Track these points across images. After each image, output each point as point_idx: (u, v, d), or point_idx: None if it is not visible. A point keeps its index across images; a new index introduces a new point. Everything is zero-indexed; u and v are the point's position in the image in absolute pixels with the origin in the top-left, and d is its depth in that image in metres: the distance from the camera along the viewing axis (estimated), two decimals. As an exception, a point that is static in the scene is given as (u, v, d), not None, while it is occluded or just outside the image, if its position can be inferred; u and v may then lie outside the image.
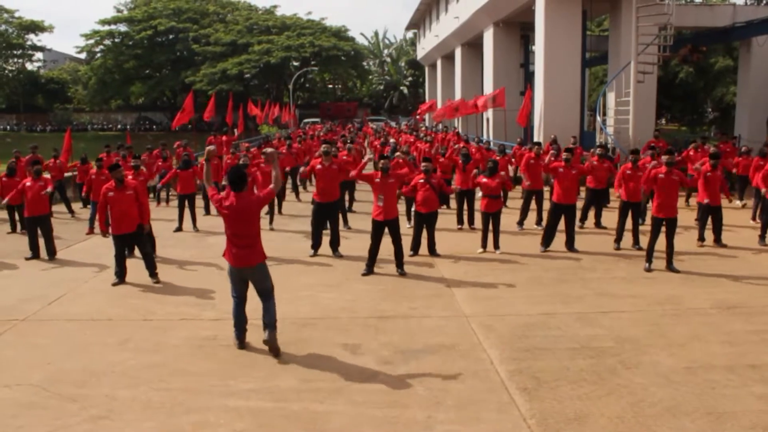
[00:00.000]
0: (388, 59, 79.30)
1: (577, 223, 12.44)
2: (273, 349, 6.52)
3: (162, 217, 14.52)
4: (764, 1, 36.39)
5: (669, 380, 5.86)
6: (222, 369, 6.26)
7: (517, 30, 27.81)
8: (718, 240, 11.31)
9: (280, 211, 14.93)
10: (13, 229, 13.56)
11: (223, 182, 7.52)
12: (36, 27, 63.80)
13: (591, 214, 13.10)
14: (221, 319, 7.60)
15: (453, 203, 14.24)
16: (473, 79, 33.49)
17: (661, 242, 9.68)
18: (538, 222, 12.86)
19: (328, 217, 10.87)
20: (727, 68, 38.29)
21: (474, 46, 33.21)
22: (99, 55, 63.90)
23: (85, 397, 5.67)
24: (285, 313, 7.50)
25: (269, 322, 6.54)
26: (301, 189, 18.52)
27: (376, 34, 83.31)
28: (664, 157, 9.85)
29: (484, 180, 10.87)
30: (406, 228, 12.06)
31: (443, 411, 5.35)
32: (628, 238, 11.19)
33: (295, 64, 63.08)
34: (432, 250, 10.83)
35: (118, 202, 9.34)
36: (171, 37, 62.22)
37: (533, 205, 13.00)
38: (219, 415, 5.33)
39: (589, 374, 6.01)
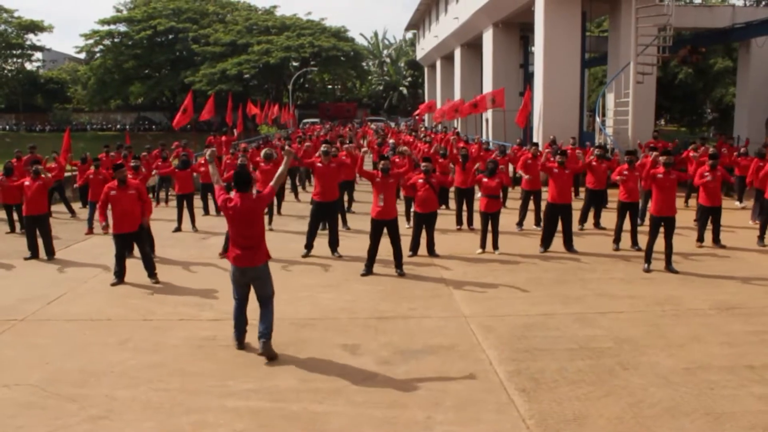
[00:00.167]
0: (388, 60, 79.32)
1: (577, 224, 12.47)
2: (269, 357, 6.48)
3: (161, 217, 14.51)
4: (763, 3, 36.41)
5: (668, 381, 5.86)
6: (221, 369, 6.26)
7: (516, 31, 27.79)
8: (717, 241, 11.32)
9: (279, 212, 14.94)
10: (12, 229, 13.55)
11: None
12: (35, 27, 63.72)
13: (590, 214, 13.10)
14: (220, 319, 7.60)
15: (452, 204, 14.24)
16: (473, 80, 33.47)
17: (660, 243, 9.69)
18: (537, 222, 12.87)
19: (326, 216, 10.90)
20: (726, 69, 38.30)
21: (473, 47, 33.20)
22: (98, 55, 63.85)
23: (85, 397, 5.67)
24: (284, 313, 7.52)
25: (264, 331, 6.48)
26: (300, 189, 18.53)
27: (376, 34, 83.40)
28: (662, 158, 9.86)
29: (485, 180, 10.89)
30: (405, 228, 12.07)
31: (442, 411, 5.36)
32: (627, 239, 11.20)
33: (295, 64, 63.05)
34: (431, 251, 10.83)
35: (120, 201, 9.35)
36: (170, 37, 62.17)
37: (531, 205, 13.02)
38: (218, 416, 5.33)
39: (588, 375, 6.02)
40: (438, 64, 42.62)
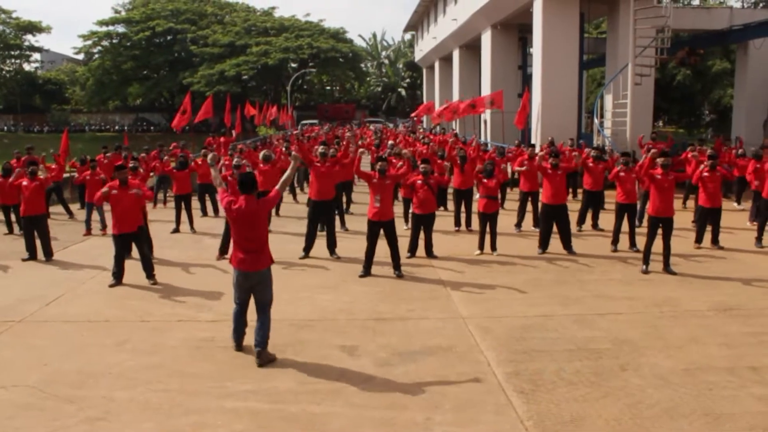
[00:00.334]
0: (386, 61, 79.33)
1: (575, 226, 12.47)
2: (267, 362, 6.43)
3: (159, 218, 14.50)
4: (761, 5, 36.46)
5: (666, 382, 5.87)
6: (219, 370, 6.26)
7: (515, 32, 27.81)
8: (715, 242, 11.34)
9: (277, 213, 14.93)
10: (10, 231, 13.52)
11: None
12: (33, 28, 63.69)
13: (588, 216, 13.10)
14: (218, 320, 7.60)
15: (450, 205, 14.25)
16: (471, 81, 33.48)
17: (658, 244, 9.70)
18: (536, 224, 12.87)
19: (323, 215, 10.97)
20: (724, 71, 38.36)
21: (472, 48, 33.21)
22: (97, 56, 63.81)
23: (83, 398, 5.66)
24: (283, 314, 7.51)
25: (261, 340, 6.43)
26: (298, 191, 18.54)
27: (374, 35, 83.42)
28: (659, 160, 9.87)
29: (483, 180, 10.90)
30: (403, 230, 12.07)
31: (441, 413, 5.36)
32: (625, 240, 11.20)
33: (293, 65, 63.05)
34: (429, 252, 10.84)
35: (120, 201, 9.35)
36: (169, 38, 62.13)
37: (529, 207, 13.04)
38: (217, 417, 5.33)
39: (586, 376, 6.02)
40: (436, 65, 42.66)
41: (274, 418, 5.32)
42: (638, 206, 12.08)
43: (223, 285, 8.80)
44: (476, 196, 11.56)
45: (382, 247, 9.73)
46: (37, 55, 70.15)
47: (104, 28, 62.45)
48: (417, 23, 46.95)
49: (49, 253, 11.04)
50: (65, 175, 16.78)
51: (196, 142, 23.07)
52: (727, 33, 23.65)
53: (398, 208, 13.09)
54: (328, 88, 77.81)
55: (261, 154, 13.98)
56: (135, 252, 9.85)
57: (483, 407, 5.45)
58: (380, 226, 9.66)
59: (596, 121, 20.94)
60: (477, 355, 6.60)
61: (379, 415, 5.35)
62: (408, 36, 68.52)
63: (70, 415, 5.35)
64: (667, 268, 9.70)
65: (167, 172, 14.31)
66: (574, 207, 12.72)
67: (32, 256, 11.02)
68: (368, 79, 77.67)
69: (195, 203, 14.34)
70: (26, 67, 69.82)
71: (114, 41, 62.66)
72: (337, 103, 72.27)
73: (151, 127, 65.34)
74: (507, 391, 5.74)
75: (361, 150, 10.32)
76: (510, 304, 8.31)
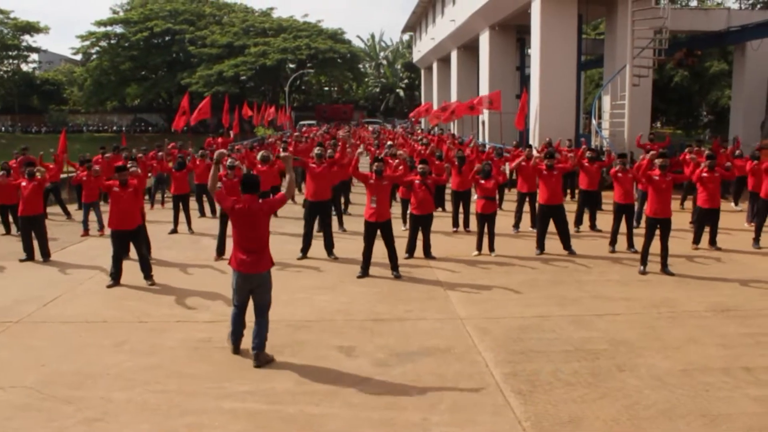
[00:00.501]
0: (384, 62, 79.37)
1: (573, 226, 12.49)
2: (264, 363, 6.42)
3: (157, 219, 14.49)
4: (758, 6, 36.49)
5: (664, 383, 5.88)
6: (217, 371, 6.26)
7: (513, 33, 27.80)
8: (713, 243, 11.35)
9: (275, 214, 14.91)
10: (7, 231, 13.51)
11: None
12: (31, 28, 63.62)
13: (585, 217, 13.12)
14: (216, 321, 7.60)
15: (448, 206, 14.26)
16: (469, 82, 33.48)
17: (656, 245, 9.71)
18: (534, 225, 12.88)
19: (319, 214, 11.00)
20: (722, 72, 38.38)
21: (470, 49, 33.20)
22: (95, 56, 63.80)
23: (80, 399, 5.66)
24: (281, 315, 7.51)
25: (258, 344, 6.40)
26: (296, 192, 18.53)
27: (373, 36, 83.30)
28: (657, 161, 9.88)
29: (481, 182, 10.91)
30: (401, 231, 12.08)
31: (438, 413, 5.36)
32: (622, 241, 11.22)
33: (291, 66, 63.05)
34: (427, 253, 10.84)
35: (120, 199, 9.37)
36: (167, 38, 62.11)
37: (527, 207, 13.05)
38: (214, 418, 5.33)
39: (583, 377, 6.03)
40: (434, 66, 42.67)
41: (272, 418, 5.32)
42: (636, 207, 12.10)
43: (221, 286, 8.80)
44: (474, 197, 11.56)
45: (380, 247, 9.73)
46: (34, 56, 70.20)
47: (102, 29, 62.44)
48: (415, 24, 46.97)
49: (46, 254, 11.04)
50: (63, 175, 16.77)
51: (195, 143, 23.05)
52: (725, 34, 23.70)
53: (396, 209, 13.11)
54: (327, 88, 77.84)
55: (259, 155, 13.98)
56: (133, 252, 9.85)
57: (481, 408, 5.45)
58: (377, 227, 9.66)
59: (594, 121, 20.95)
60: (475, 356, 6.60)
61: (376, 415, 5.35)
62: (406, 37, 68.60)
63: (68, 416, 5.35)
64: (664, 269, 9.72)
65: (166, 170, 14.31)
66: (571, 207, 12.73)
67: (30, 257, 11.01)
68: (366, 79, 77.70)
69: (193, 204, 14.34)
70: (24, 67, 69.83)
71: (112, 42, 62.64)
72: (335, 104, 72.30)
73: (149, 128, 65.33)
74: (505, 391, 5.75)
75: (359, 150, 10.33)
76: (508, 304, 8.32)
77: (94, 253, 11.47)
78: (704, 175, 11.04)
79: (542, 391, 5.74)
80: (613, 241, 11.24)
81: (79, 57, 67.12)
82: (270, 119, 37.63)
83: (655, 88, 24.03)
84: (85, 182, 12.98)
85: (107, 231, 10.74)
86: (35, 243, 11.03)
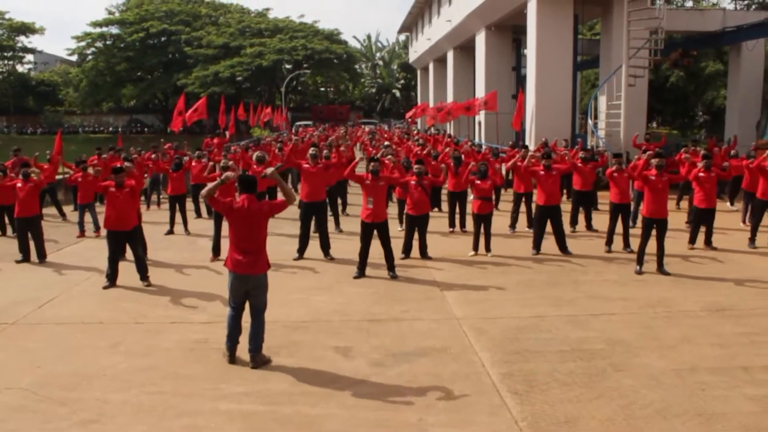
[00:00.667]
0: (381, 62, 79.39)
1: (569, 228, 12.50)
2: (261, 365, 6.41)
3: (153, 220, 14.47)
4: (754, 7, 36.60)
5: (659, 382, 5.89)
6: (214, 372, 6.25)
7: (509, 34, 27.84)
8: (708, 243, 11.37)
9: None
10: (3, 232, 13.48)
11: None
12: (26, 29, 63.48)
13: (581, 217, 13.14)
14: (213, 322, 7.59)
15: (445, 206, 14.27)
16: (465, 83, 33.52)
17: (652, 245, 9.73)
18: (530, 225, 12.89)
19: (314, 215, 11.02)
20: (717, 72, 38.45)
21: (466, 50, 33.24)
22: (90, 57, 63.64)
23: (76, 400, 5.65)
24: (277, 316, 7.50)
25: (255, 347, 6.39)
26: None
27: (369, 37, 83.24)
28: (654, 161, 9.90)
29: (477, 182, 10.91)
30: (397, 231, 12.08)
31: (435, 413, 5.36)
32: (619, 241, 11.23)
33: (288, 66, 63.02)
34: (423, 253, 10.84)
35: (116, 200, 9.35)
36: (163, 39, 62.03)
37: (523, 207, 13.06)
38: (210, 419, 5.32)
39: (580, 377, 6.03)
40: (431, 66, 42.68)
41: (268, 419, 5.32)
42: (632, 207, 12.12)
43: (217, 287, 8.79)
44: (470, 197, 11.57)
45: (377, 248, 9.73)
46: (30, 57, 69.96)
47: (98, 30, 62.31)
48: (411, 24, 46.97)
49: (42, 255, 11.01)
50: (58, 177, 16.72)
51: (191, 144, 23.02)
52: (720, 35, 23.77)
53: (393, 209, 13.10)
54: (323, 89, 77.79)
55: (254, 156, 13.96)
56: (129, 253, 9.83)
57: (477, 408, 5.46)
58: (374, 227, 9.66)
59: (590, 122, 20.98)
60: (471, 356, 6.61)
61: (373, 416, 5.35)
62: (402, 37, 68.65)
63: (64, 418, 5.34)
64: (660, 269, 9.73)
65: (162, 170, 14.28)
66: (566, 207, 12.73)
67: (26, 258, 10.99)
68: (362, 80, 77.70)
69: (189, 204, 14.32)
70: (19, 68, 69.73)
71: (108, 42, 62.51)
72: (331, 105, 72.28)
73: (145, 129, 65.28)
74: (501, 391, 5.75)
75: (359, 157, 10.33)
76: (504, 304, 8.32)
77: (90, 254, 11.44)
78: (701, 174, 11.06)
79: (539, 391, 5.75)
80: (609, 241, 11.26)
81: (74, 58, 66.94)
82: (266, 120, 37.60)
83: (650, 88, 24.07)
84: (80, 183, 12.95)
85: (103, 232, 10.72)
86: (31, 244, 11.01)
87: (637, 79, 18.92)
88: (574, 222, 12.98)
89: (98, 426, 5.23)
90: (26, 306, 8.39)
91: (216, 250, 10.87)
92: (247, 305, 6.52)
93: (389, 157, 11.73)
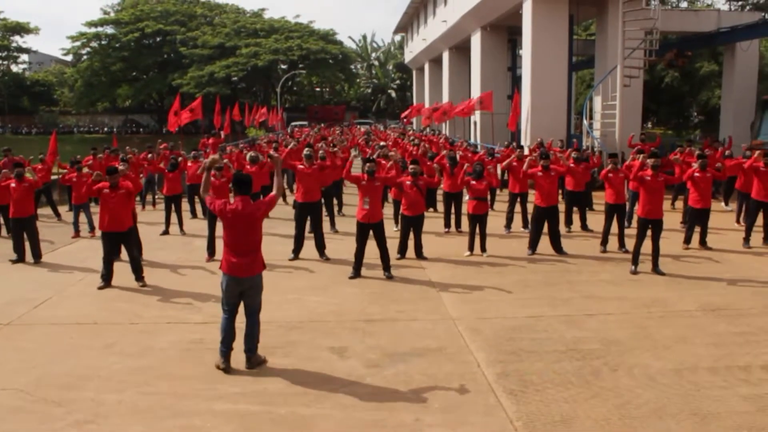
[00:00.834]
0: (376, 62, 79.42)
1: (564, 227, 12.52)
2: (255, 366, 6.38)
3: (148, 220, 14.44)
4: (748, 8, 36.73)
5: (655, 382, 5.90)
6: (209, 372, 6.24)
7: (504, 34, 27.87)
8: (703, 242, 11.40)
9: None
10: (-2, 233, 13.44)
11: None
12: (21, 29, 63.45)
13: (576, 217, 13.15)
14: (208, 322, 7.58)
15: (440, 206, 14.28)
16: (461, 83, 33.54)
17: (647, 245, 9.75)
18: (525, 225, 12.91)
19: (309, 215, 11.03)
20: (712, 73, 38.56)
21: (462, 50, 33.26)
22: (85, 57, 63.63)
23: (71, 401, 5.63)
24: (272, 316, 7.50)
25: (250, 347, 6.36)
26: (287, 192, 18.49)
27: (364, 37, 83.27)
28: (649, 161, 9.91)
29: (472, 182, 10.92)
30: (392, 231, 12.08)
31: (430, 414, 5.36)
32: (614, 241, 11.25)
33: (283, 67, 63.07)
34: (419, 253, 10.85)
35: (111, 200, 9.32)
36: (158, 39, 62.03)
37: (518, 208, 13.08)
38: (206, 419, 5.31)
39: (575, 377, 6.04)
40: (426, 67, 42.70)
41: (263, 420, 5.31)
42: (627, 207, 12.14)
43: (212, 287, 8.76)
44: (466, 197, 11.58)
45: (372, 248, 9.73)
46: (25, 57, 70.14)
47: (93, 30, 62.29)
48: (407, 25, 46.99)
49: (37, 255, 10.98)
50: (53, 177, 16.68)
51: (186, 144, 23.00)
52: (715, 35, 23.84)
53: (388, 210, 13.11)
54: (318, 89, 77.83)
55: (248, 156, 13.97)
56: (124, 254, 9.81)
57: (473, 408, 5.46)
58: (369, 228, 9.67)
59: (585, 122, 21.01)
60: (467, 356, 6.61)
61: (368, 416, 5.35)
62: (398, 38, 68.73)
63: (59, 418, 5.33)
64: (656, 269, 9.75)
65: (158, 170, 14.24)
66: (561, 208, 12.74)
67: (21, 258, 10.96)
68: (358, 80, 77.75)
69: (185, 205, 14.30)
70: (14, 68, 69.71)
71: (103, 42, 62.47)
72: (327, 105, 72.27)
73: (141, 129, 65.21)
74: (497, 391, 5.76)
75: (354, 154, 10.35)
76: (500, 305, 8.33)
77: (85, 254, 11.42)
78: (696, 175, 11.08)
79: (534, 391, 5.75)
80: (604, 241, 11.28)
81: (69, 58, 66.99)
82: (261, 120, 37.57)
83: (645, 88, 24.14)
84: (74, 184, 12.92)
85: (98, 232, 10.70)
86: (26, 244, 10.98)
87: (632, 80, 18.95)
88: (568, 222, 13.00)
89: (94, 426, 5.22)
90: (21, 306, 8.37)
91: (211, 250, 10.85)
92: (241, 306, 6.45)
93: (391, 153, 11.71)
